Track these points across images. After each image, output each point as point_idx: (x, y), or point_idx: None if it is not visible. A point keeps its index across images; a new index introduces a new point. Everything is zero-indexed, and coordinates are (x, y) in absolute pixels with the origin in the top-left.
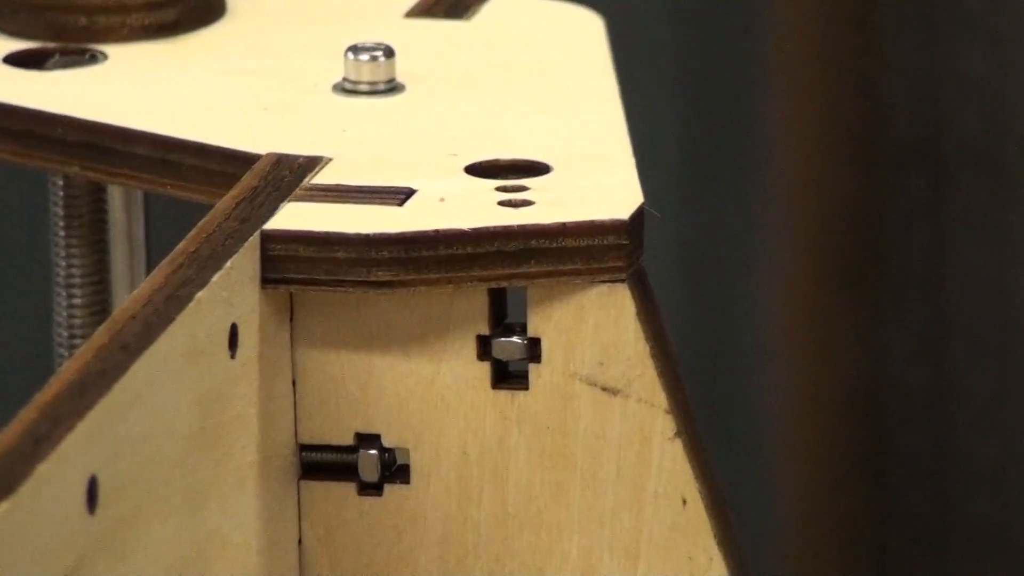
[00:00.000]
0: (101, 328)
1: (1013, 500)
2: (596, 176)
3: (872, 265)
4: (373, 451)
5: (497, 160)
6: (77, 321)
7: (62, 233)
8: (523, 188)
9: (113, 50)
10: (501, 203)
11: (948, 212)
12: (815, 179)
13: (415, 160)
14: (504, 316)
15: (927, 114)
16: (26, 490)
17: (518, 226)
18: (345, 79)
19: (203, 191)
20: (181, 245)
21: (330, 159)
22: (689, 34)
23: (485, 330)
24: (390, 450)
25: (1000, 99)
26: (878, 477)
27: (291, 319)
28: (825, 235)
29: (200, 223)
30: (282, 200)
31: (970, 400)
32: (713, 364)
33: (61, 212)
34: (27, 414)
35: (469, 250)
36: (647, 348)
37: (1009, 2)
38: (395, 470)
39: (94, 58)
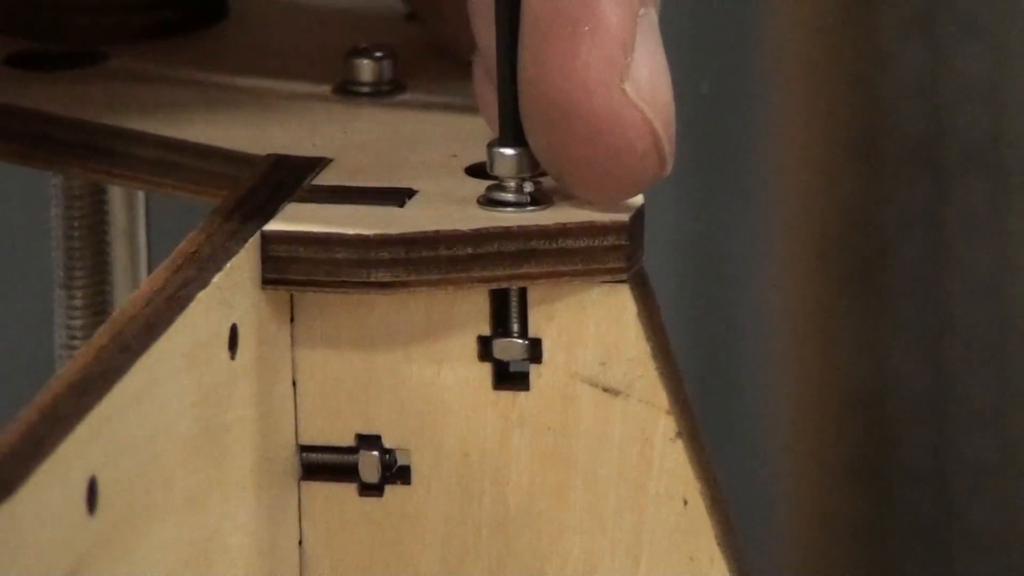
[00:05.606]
0: (101, 329)
1: (1013, 500)
2: None
3: (872, 265)
4: (374, 452)
5: None
6: (77, 322)
7: (62, 234)
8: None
9: (113, 50)
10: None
11: (948, 212)
12: (815, 179)
13: (415, 161)
14: (506, 317)
15: (927, 114)
16: (26, 491)
17: (518, 227)
18: (346, 80)
19: (203, 191)
20: (181, 246)
21: (331, 160)
22: (689, 34)
23: (486, 331)
24: (391, 451)
25: (1000, 99)
26: (878, 477)
27: (291, 320)
28: (825, 235)
29: (200, 224)
30: (283, 201)
31: (970, 400)
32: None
33: (61, 212)
34: (27, 415)
35: (469, 251)
36: (648, 349)
37: (1009, 2)
38: (396, 471)
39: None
